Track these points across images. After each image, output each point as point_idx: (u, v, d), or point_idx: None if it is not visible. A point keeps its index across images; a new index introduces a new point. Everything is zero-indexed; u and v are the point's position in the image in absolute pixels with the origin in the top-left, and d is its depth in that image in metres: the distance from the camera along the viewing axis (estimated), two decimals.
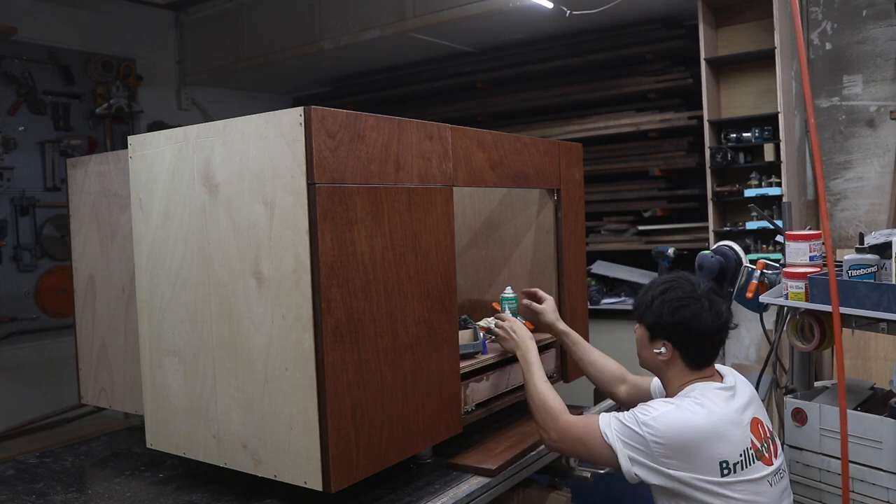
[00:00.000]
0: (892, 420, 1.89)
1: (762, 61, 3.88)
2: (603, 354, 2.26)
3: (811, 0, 4.08)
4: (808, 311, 2.02)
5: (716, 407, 1.71)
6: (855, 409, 2.01)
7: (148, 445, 2.00)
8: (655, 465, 1.67)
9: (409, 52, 5.10)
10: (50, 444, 2.99)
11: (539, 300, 2.36)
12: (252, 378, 1.73)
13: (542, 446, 2.19)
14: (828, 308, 1.87)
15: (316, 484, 1.62)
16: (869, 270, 1.89)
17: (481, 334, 2.29)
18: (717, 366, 1.88)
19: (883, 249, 1.89)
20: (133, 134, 2.03)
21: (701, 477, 1.65)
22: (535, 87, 4.95)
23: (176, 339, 1.90)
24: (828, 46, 4.05)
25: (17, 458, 2.24)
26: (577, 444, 1.81)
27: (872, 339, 3.52)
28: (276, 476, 1.70)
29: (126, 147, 2.01)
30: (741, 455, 1.69)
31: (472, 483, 1.92)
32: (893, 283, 1.83)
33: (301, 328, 1.61)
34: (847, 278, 1.90)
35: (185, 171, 1.84)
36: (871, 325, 1.91)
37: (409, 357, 1.83)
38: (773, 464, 1.74)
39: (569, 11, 4.04)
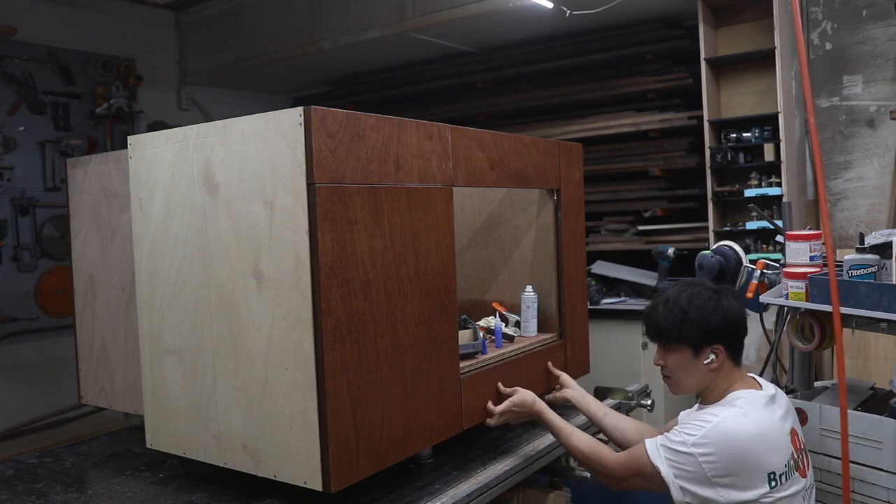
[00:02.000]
0: (892, 420, 1.89)
1: (762, 61, 3.88)
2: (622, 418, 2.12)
3: (811, 0, 4.08)
4: (808, 311, 2.02)
5: (762, 415, 1.67)
6: (855, 409, 2.01)
7: (148, 445, 2.00)
8: (706, 492, 1.62)
9: (409, 52, 5.10)
10: (50, 444, 2.99)
11: (560, 384, 2.27)
12: (252, 378, 1.73)
13: (542, 447, 2.20)
14: (828, 308, 1.87)
15: (316, 484, 1.62)
16: (869, 270, 1.90)
17: (481, 334, 2.29)
18: (751, 374, 1.85)
19: (883, 249, 1.89)
20: (133, 134, 2.03)
21: (749, 496, 1.60)
22: (535, 87, 4.95)
23: (176, 339, 1.90)
24: (828, 46, 4.05)
25: (17, 458, 2.24)
26: (637, 479, 1.74)
27: (872, 339, 3.52)
28: (276, 476, 1.70)
29: (126, 147, 2.01)
30: (786, 466, 1.65)
31: (472, 483, 1.92)
32: (893, 283, 1.83)
33: (301, 328, 1.61)
34: (847, 278, 1.90)
35: (185, 171, 1.84)
36: (871, 325, 1.92)
37: (409, 357, 1.83)
38: (806, 476, 1.71)
39: (569, 11, 4.04)
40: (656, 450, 1.69)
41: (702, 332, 1.73)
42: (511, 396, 2.09)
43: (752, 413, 1.66)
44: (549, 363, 2.36)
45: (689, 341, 1.74)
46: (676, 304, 1.76)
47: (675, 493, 1.66)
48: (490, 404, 2.09)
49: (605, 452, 1.83)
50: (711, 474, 1.61)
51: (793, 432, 1.73)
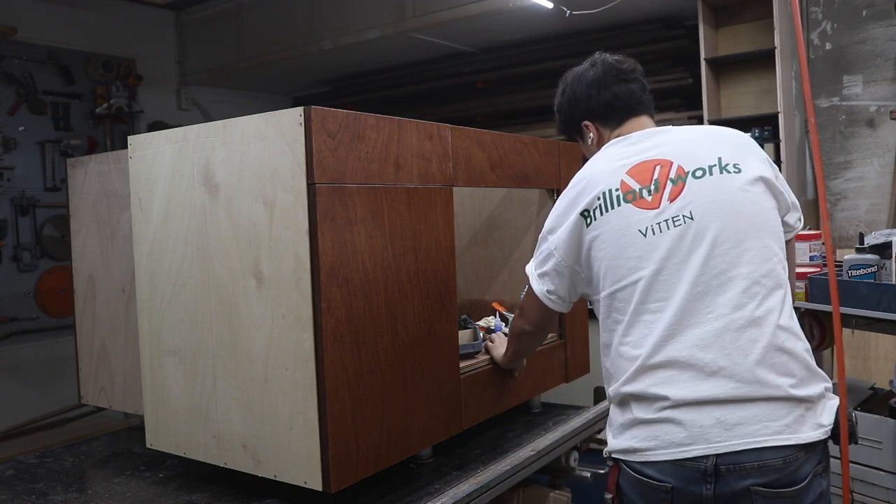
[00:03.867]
0: (892, 420, 1.89)
1: (762, 61, 3.88)
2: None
3: (811, 0, 4.08)
4: (808, 311, 2.02)
5: (595, 161, 1.58)
6: (855, 409, 2.01)
7: (148, 445, 2.00)
8: (552, 268, 1.61)
9: (409, 52, 5.10)
10: (50, 444, 2.99)
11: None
12: (252, 378, 1.73)
13: (542, 447, 2.20)
14: (828, 308, 1.87)
15: (316, 484, 1.62)
16: (869, 270, 1.90)
17: (481, 334, 2.29)
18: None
19: (883, 249, 1.89)
20: (133, 134, 2.03)
21: (571, 235, 1.55)
22: (535, 87, 4.95)
23: (176, 339, 1.90)
24: (828, 46, 4.05)
25: (17, 458, 2.24)
26: (530, 309, 1.76)
27: (872, 339, 3.52)
28: (276, 476, 1.70)
29: (126, 147, 2.01)
30: (600, 198, 1.51)
31: (472, 483, 1.92)
32: (893, 283, 1.83)
33: (301, 328, 1.61)
34: (847, 278, 1.90)
35: (185, 171, 1.84)
36: (871, 325, 1.92)
37: (409, 357, 1.83)
38: (658, 205, 1.47)
39: (569, 11, 4.04)
40: (530, 267, 1.71)
41: (565, 118, 1.74)
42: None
43: (588, 165, 1.60)
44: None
45: (567, 133, 1.77)
46: (557, 110, 1.79)
47: (536, 286, 1.66)
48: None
49: (513, 325, 1.90)
50: (552, 249, 1.60)
51: (651, 165, 1.51)
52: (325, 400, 1.59)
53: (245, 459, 1.76)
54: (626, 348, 1.49)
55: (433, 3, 4.31)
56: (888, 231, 1.95)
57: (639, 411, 1.46)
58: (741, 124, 3.96)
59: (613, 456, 1.52)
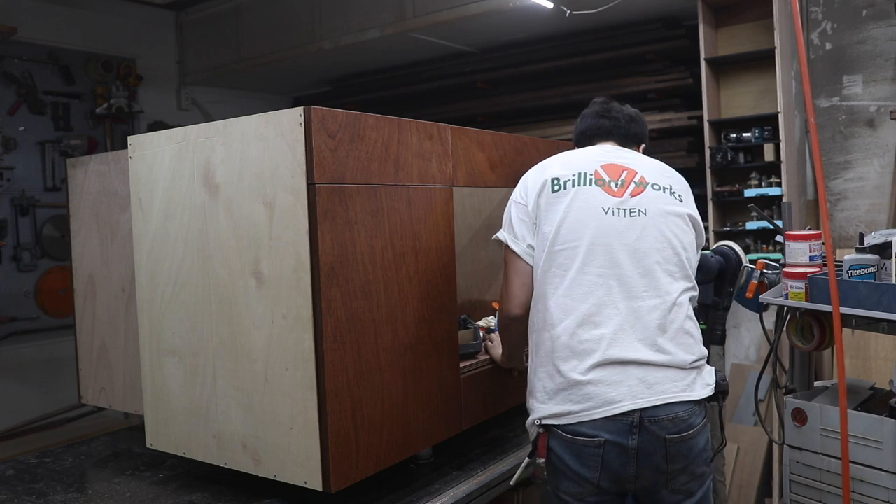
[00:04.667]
0: (892, 420, 1.89)
1: (762, 61, 3.88)
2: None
3: (811, 0, 4.08)
4: (808, 311, 2.02)
5: (571, 153, 1.90)
6: (855, 409, 2.01)
7: (148, 445, 2.00)
8: (519, 221, 1.82)
9: (409, 52, 5.10)
10: (50, 444, 2.99)
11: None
12: (252, 378, 1.73)
13: None
14: (828, 308, 1.87)
15: (316, 484, 1.62)
16: (869, 270, 1.90)
17: (481, 334, 2.29)
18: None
19: (883, 249, 1.89)
20: (133, 134, 2.03)
21: (538, 197, 1.79)
22: (534, 87, 4.95)
23: (176, 339, 1.90)
24: (828, 46, 4.05)
25: (17, 458, 2.24)
26: (512, 286, 1.84)
27: (872, 339, 3.52)
28: (276, 476, 1.71)
29: (126, 147, 2.01)
30: (574, 174, 1.79)
31: (472, 483, 1.92)
32: (893, 283, 1.83)
33: (301, 328, 1.61)
34: (847, 278, 1.90)
35: (185, 171, 1.84)
36: (871, 325, 1.92)
37: (409, 357, 1.83)
38: (622, 195, 1.77)
39: (569, 11, 4.04)
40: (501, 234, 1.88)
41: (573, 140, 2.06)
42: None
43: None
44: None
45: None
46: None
47: (513, 246, 1.82)
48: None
49: (499, 319, 1.96)
50: (515, 197, 1.85)
51: (616, 168, 1.83)
52: (325, 400, 1.59)
53: (245, 459, 1.76)
54: (566, 300, 1.71)
55: (433, 3, 4.31)
56: (888, 231, 1.95)
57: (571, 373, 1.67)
58: (741, 124, 3.96)
59: (545, 423, 1.69)
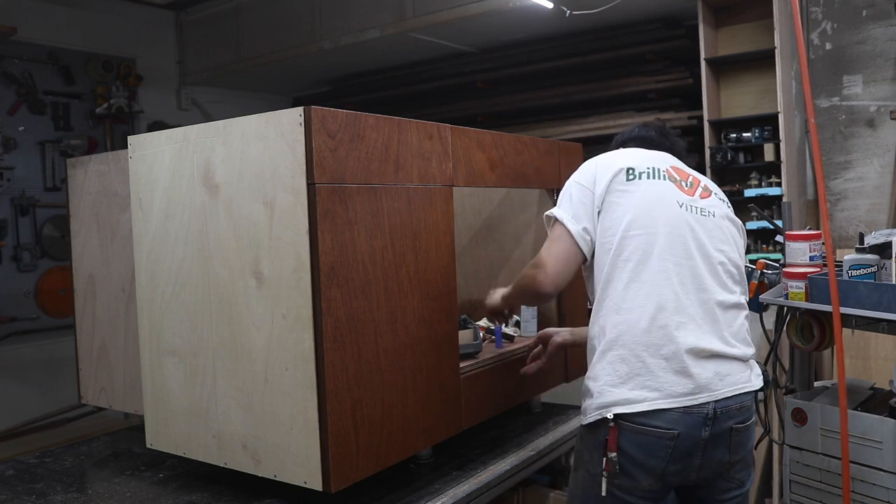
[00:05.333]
0: (892, 420, 1.89)
1: (762, 61, 3.88)
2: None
3: (811, 0, 4.08)
4: (808, 311, 2.02)
5: (636, 151, 1.89)
6: (855, 409, 2.01)
7: (148, 445, 2.00)
8: (581, 203, 1.77)
9: (409, 52, 5.10)
10: (50, 444, 2.99)
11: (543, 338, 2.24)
12: (252, 378, 1.73)
13: (542, 447, 2.20)
14: (828, 308, 1.87)
15: (316, 484, 1.62)
16: (869, 270, 1.89)
17: (481, 334, 2.29)
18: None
19: (883, 249, 1.89)
20: (133, 134, 2.03)
21: (610, 182, 1.76)
22: (534, 87, 4.95)
23: (176, 339, 1.90)
24: (828, 46, 4.05)
25: (17, 458, 2.24)
26: (555, 261, 1.76)
27: (872, 339, 3.52)
28: (276, 476, 1.70)
29: (126, 147, 2.01)
30: (649, 167, 1.79)
31: (472, 483, 1.92)
32: (893, 283, 1.83)
33: (301, 328, 1.61)
34: (847, 278, 1.90)
35: (185, 171, 1.84)
36: (871, 325, 1.92)
37: (409, 357, 1.83)
38: (693, 195, 1.80)
39: (569, 11, 4.04)
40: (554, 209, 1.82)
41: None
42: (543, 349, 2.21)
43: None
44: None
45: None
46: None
47: (570, 225, 1.76)
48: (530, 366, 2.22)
49: (527, 278, 1.83)
50: (583, 183, 1.79)
51: (689, 174, 1.87)
52: (325, 400, 1.59)
53: (245, 459, 1.76)
54: (644, 285, 1.68)
55: (433, 3, 4.31)
56: (888, 231, 1.95)
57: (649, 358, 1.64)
58: (741, 124, 3.96)
59: (616, 412, 1.62)
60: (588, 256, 1.77)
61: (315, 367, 1.60)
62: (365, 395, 1.69)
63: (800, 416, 2.05)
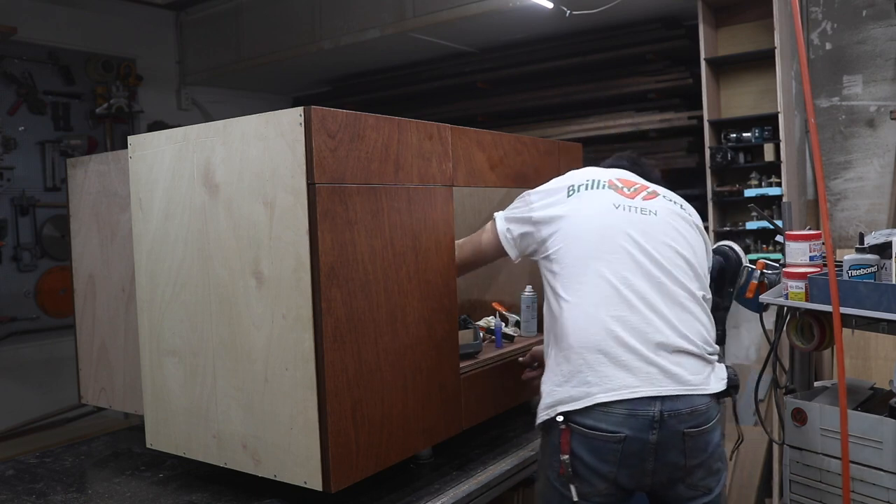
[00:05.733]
0: (892, 420, 1.89)
1: (762, 61, 3.88)
2: None
3: (811, 0, 4.08)
4: (808, 311, 2.02)
5: (587, 168, 2.01)
6: (855, 409, 2.01)
7: (148, 445, 2.00)
8: (523, 215, 1.88)
9: (409, 52, 5.10)
10: (50, 444, 2.99)
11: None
12: (252, 378, 1.73)
13: None
14: (828, 308, 1.87)
15: (316, 484, 1.62)
16: (869, 270, 1.89)
17: (481, 334, 2.29)
18: None
19: (883, 249, 1.89)
20: (133, 134, 2.03)
21: (549, 202, 1.86)
22: (534, 87, 4.95)
23: (176, 339, 1.90)
24: (828, 46, 4.05)
25: (17, 458, 2.23)
26: (469, 244, 2.04)
27: (872, 339, 3.52)
28: (276, 476, 1.71)
29: (126, 147, 2.01)
30: (588, 180, 1.87)
31: (472, 483, 1.92)
32: (893, 283, 1.83)
33: (301, 328, 1.61)
34: (847, 278, 1.90)
35: (185, 171, 1.84)
36: (871, 325, 1.92)
37: (409, 357, 1.83)
38: (633, 198, 1.83)
39: (569, 11, 4.04)
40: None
41: None
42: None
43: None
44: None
45: None
46: None
47: (499, 224, 1.94)
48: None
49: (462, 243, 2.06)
50: (530, 203, 1.90)
51: (636, 181, 1.93)
52: (325, 400, 1.59)
53: (245, 459, 1.76)
54: (579, 286, 1.74)
55: (433, 3, 4.31)
56: (888, 231, 1.95)
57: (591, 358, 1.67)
58: (741, 124, 3.96)
59: (561, 410, 1.66)
60: (509, 252, 1.94)
61: (315, 367, 1.60)
62: (365, 395, 1.69)
63: (800, 416, 2.05)
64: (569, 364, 1.68)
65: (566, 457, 1.64)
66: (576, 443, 1.64)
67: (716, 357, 1.75)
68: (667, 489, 1.69)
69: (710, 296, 1.83)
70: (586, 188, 1.85)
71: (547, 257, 1.81)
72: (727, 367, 1.78)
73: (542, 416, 1.71)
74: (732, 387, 1.75)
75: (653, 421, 1.60)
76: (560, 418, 1.65)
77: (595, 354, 1.65)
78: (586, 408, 1.63)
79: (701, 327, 1.73)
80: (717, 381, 1.70)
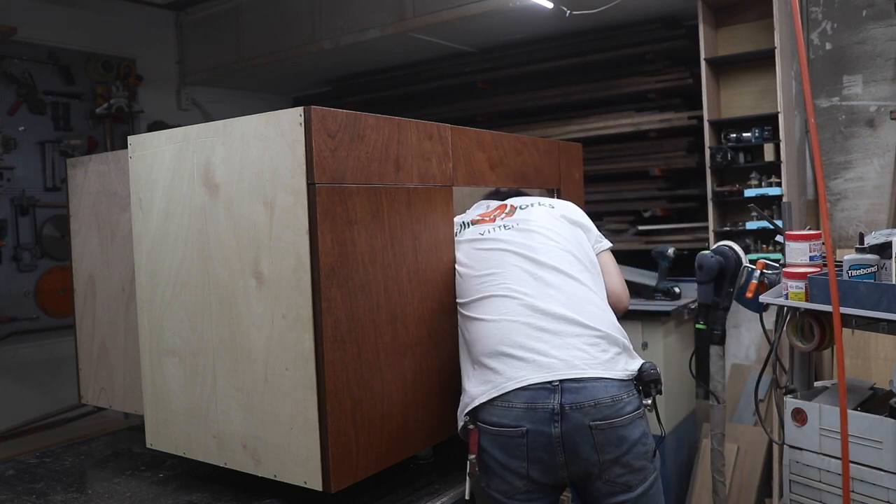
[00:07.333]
0: (892, 420, 1.89)
1: (762, 61, 3.88)
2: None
3: (811, 0, 4.08)
4: (808, 311, 2.02)
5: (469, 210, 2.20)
6: (855, 409, 2.01)
7: (148, 445, 2.00)
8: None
9: (409, 52, 5.10)
10: (50, 444, 2.99)
11: None
12: (252, 378, 1.73)
13: None
14: (828, 308, 1.87)
15: (316, 484, 1.62)
16: (869, 270, 1.89)
17: None
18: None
19: (883, 249, 1.89)
20: (133, 134, 2.03)
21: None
22: (534, 87, 4.94)
23: (176, 339, 1.90)
24: (828, 46, 4.05)
25: (17, 458, 2.24)
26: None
27: (872, 339, 3.51)
28: (276, 476, 1.71)
29: (126, 147, 2.01)
30: (462, 222, 2.06)
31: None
32: (893, 283, 1.83)
33: (301, 328, 1.61)
34: (847, 278, 1.90)
35: (185, 171, 1.84)
36: (871, 325, 1.92)
37: (409, 357, 1.83)
38: (493, 221, 2.01)
39: (569, 11, 4.04)
40: None
41: None
42: None
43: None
44: None
45: None
46: None
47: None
48: None
49: None
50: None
51: (499, 206, 2.11)
52: (325, 400, 1.59)
53: (245, 459, 1.76)
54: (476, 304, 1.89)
55: (433, 3, 4.31)
56: (888, 231, 1.95)
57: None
58: (741, 124, 3.96)
59: (470, 408, 1.74)
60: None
61: (315, 367, 1.60)
62: (365, 395, 1.69)
63: (800, 416, 2.05)
64: (474, 370, 1.79)
65: (472, 457, 1.71)
66: (486, 441, 1.71)
67: (622, 341, 1.78)
68: (585, 483, 1.72)
69: (601, 279, 1.95)
70: (461, 228, 2.05)
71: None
72: (645, 361, 1.77)
73: (460, 422, 1.79)
74: (651, 381, 1.74)
75: (553, 413, 1.64)
76: (467, 418, 1.73)
77: (491, 358, 1.75)
78: (489, 403, 1.69)
79: (599, 312, 1.80)
80: (621, 371, 1.72)
